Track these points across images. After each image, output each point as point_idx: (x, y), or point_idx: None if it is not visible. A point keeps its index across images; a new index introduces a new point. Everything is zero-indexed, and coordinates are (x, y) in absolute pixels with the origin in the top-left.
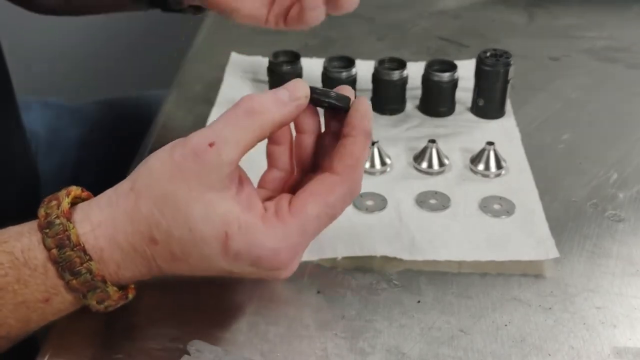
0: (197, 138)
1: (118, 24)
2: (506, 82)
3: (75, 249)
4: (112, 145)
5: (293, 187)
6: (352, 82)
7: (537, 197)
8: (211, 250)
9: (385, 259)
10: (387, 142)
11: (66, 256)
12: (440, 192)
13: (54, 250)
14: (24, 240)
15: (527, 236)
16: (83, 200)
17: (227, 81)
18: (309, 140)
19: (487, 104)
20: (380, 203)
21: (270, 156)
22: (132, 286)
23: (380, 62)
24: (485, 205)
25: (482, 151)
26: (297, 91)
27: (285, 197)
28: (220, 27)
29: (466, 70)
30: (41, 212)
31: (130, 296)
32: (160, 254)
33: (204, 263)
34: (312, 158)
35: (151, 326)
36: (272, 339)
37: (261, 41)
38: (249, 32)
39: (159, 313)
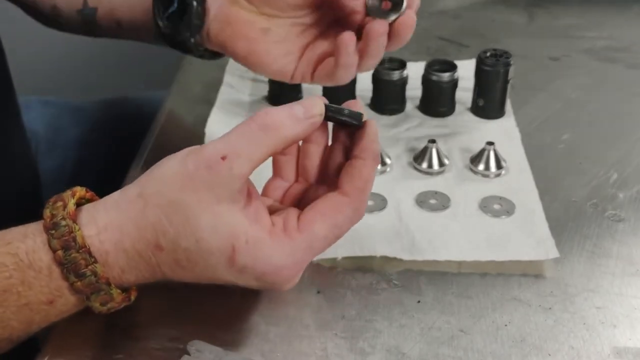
0: (211, 150)
1: None
2: (506, 82)
3: (80, 250)
4: (112, 145)
5: (297, 197)
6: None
7: (537, 197)
8: (217, 262)
9: (385, 259)
10: (387, 142)
11: (71, 258)
12: (440, 192)
13: (60, 252)
14: (28, 242)
15: (527, 236)
16: (87, 200)
17: (227, 81)
18: (315, 151)
19: (487, 104)
20: (380, 203)
21: (275, 165)
22: (134, 288)
23: (380, 62)
24: (485, 205)
25: (482, 151)
26: (313, 109)
27: (293, 213)
28: None
29: (466, 70)
30: (46, 213)
31: (133, 298)
32: (166, 261)
33: (208, 273)
34: (317, 169)
35: (151, 326)
36: (272, 338)
37: None
38: None
39: (159, 313)
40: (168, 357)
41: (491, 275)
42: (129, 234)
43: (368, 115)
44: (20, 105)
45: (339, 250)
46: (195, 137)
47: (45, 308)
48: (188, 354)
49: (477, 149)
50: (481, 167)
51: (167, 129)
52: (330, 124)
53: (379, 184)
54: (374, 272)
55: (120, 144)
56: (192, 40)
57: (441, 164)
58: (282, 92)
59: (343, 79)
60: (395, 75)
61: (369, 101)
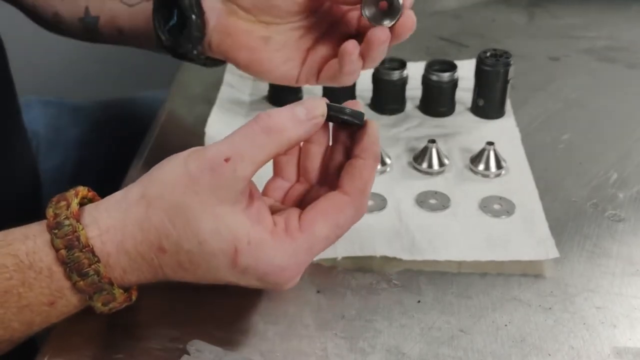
0: (214, 152)
1: None
2: (506, 82)
3: (84, 250)
4: (113, 145)
5: (299, 197)
6: None
7: (537, 197)
8: (219, 263)
9: (385, 259)
10: (387, 142)
11: (75, 257)
12: (440, 192)
13: (63, 251)
14: (29, 243)
15: (527, 236)
16: (90, 200)
17: (227, 81)
18: (316, 151)
19: (487, 104)
20: (380, 203)
21: (276, 165)
22: (135, 288)
23: (380, 62)
24: (485, 205)
25: (482, 151)
26: (315, 110)
27: (294, 213)
28: None
29: (466, 70)
30: (49, 212)
31: (134, 298)
32: (168, 263)
33: (210, 274)
34: (319, 169)
35: (151, 326)
36: (271, 338)
37: None
38: None
39: (159, 313)
40: (168, 357)
41: (491, 275)
42: (132, 236)
43: (368, 115)
44: (20, 105)
45: (339, 250)
46: (195, 137)
47: (46, 309)
48: (188, 353)
49: (477, 149)
50: (481, 167)
51: (167, 129)
52: (330, 124)
53: (379, 184)
54: (374, 272)
55: (120, 144)
56: (194, 51)
57: (441, 164)
58: (282, 92)
59: (348, 83)
60: (395, 75)
61: (369, 101)
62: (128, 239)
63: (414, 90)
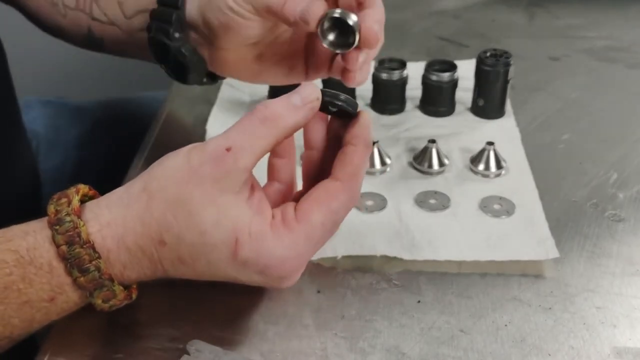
0: (214, 144)
1: None
2: (506, 82)
3: (85, 246)
4: (113, 144)
5: (296, 199)
6: None
7: (537, 197)
8: (220, 256)
9: (385, 258)
10: (387, 142)
11: (75, 253)
12: (440, 192)
13: (64, 247)
14: (29, 239)
15: (527, 236)
16: (90, 198)
17: (228, 80)
18: (317, 156)
19: (487, 104)
20: (380, 203)
21: (271, 169)
22: (135, 287)
23: (380, 62)
24: (485, 205)
25: (482, 151)
26: (310, 95)
27: (290, 205)
28: None
29: (466, 70)
30: (51, 209)
31: (134, 296)
32: (168, 257)
33: (211, 269)
34: (318, 171)
35: (151, 326)
36: (271, 338)
37: None
38: None
39: (159, 313)
40: (168, 356)
41: (491, 275)
42: (133, 230)
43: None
44: (20, 105)
45: (339, 250)
46: (195, 136)
47: (46, 305)
48: (188, 353)
49: (477, 149)
50: (481, 167)
51: (167, 129)
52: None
53: (379, 184)
54: (374, 272)
55: (120, 144)
56: (204, 80)
57: (441, 164)
58: (282, 91)
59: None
60: (395, 75)
61: (369, 101)
62: (129, 233)
63: (414, 90)
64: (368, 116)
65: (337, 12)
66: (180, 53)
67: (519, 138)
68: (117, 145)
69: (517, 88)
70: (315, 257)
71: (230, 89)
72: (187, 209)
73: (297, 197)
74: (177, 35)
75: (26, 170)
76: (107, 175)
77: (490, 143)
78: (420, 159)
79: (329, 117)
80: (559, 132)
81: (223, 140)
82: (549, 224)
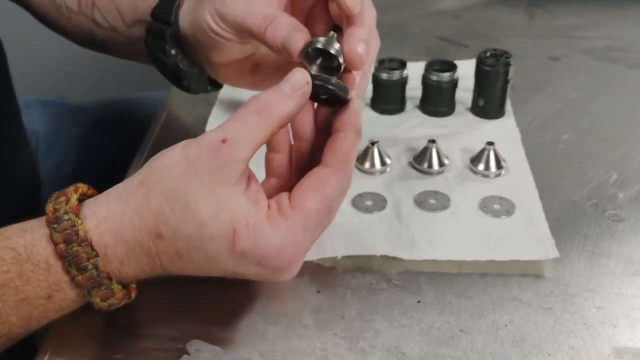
0: (210, 136)
1: None
2: (506, 82)
3: (82, 244)
4: (112, 145)
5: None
6: None
7: (537, 197)
8: (218, 248)
9: (385, 258)
10: (387, 142)
11: (73, 251)
12: (440, 192)
13: (61, 245)
14: (27, 237)
15: (527, 236)
16: (89, 197)
17: None
18: (306, 147)
19: (487, 104)
20: (380, 203)
21: (269, 164)
22: (134, 286)
23: (380, 62)
24: (485, 205)
25: (482, 151)
26: (299, 81)
27: (284, 195)
28: None
29: (466, 70)
30: (49, 207)
31: (133, 296)
32: (166, 250)
33: (209, 262)
34: (308, 162)
35: (151, 326)
36: (271, 338)
37: None
38: None
39: (159, 313)
40: (168, 356)
41: (491, 275)
42: (130, 223)
43: (368, 115)
44: (20, 105)
45: (339, 250)
46: (195, 136)
47: (44, 303)
48: (188, 353)
49: (477, 149)
50: (481, 167)
51: (167, 128)
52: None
53: (379, 184)
54: (374, 272)
55: (120, 144)
56: (208, 88)
57: (441, 164)
58: None
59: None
60: (395, 75)
61: (369, 101)
62: (127, 226)
63: (414, 90)
64: (359, 103)
65: (319, 42)
66: (177, 68)
67: (519, 138)
68: (117, 145)
69: (517, 88)
70: (315, 257)
71: (230, 89)
72: (185, 200)
73: (290, 189)
74: (173, 52)
75: (26, 170)
76: (107, 175)
77: (490, 143)
78: (420, 159)
79: (316, 107)
80: (559, 132)
81: (219, 132)
82: (549, 224)
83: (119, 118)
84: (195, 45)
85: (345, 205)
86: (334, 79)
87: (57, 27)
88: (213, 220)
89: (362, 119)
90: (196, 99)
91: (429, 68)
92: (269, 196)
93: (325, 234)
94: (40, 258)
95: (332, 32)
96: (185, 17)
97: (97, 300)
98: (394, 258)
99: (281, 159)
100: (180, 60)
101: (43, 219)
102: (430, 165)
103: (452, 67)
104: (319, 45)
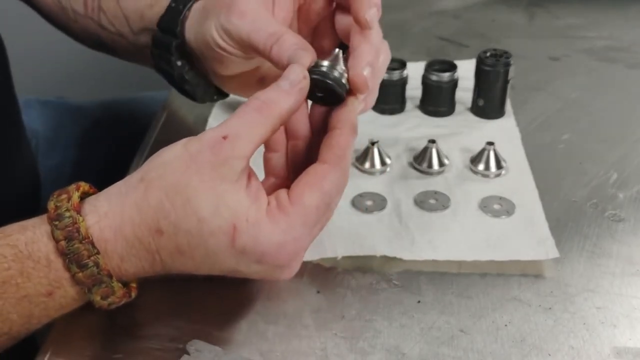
0: (211, 133)
1: None
2: (506, 82)
3: (83, 241)
4: (113, 145)
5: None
6: None
7: (537, 197)
8: (218, 243)
9: (385, 259)
10: (387, 142)
11: (74, 248)
12: (440, 192)
13: (63, 242)
14: (27, 234)
15: (527, 236)
16: (91, 195)
17: None
18: (302, 146)
19: (487, 104)
20: (380, 203)
21: (267, 163)
22: (135, 286)
23: None
24: (485, 205)
25: (482, 151)
26: (297, 76)
27: (283, 191)
28: None
29: (466, 70)
30: (51, 205)
31: (133, 295)
32: (166, 246)
33: (209, 259)
34: (304, 161)
35: (151, 326)
36: (271, 338)
37: None
38: None
39: (159, 313)
40: (168, 357)
41: (491, 275)
42: (130, 219)
43: (368, 115)
44: (20, 105)
45: (339, 250)
46: None
47: (44, 300)
48: (188, 353)
49: (477, 149)
50: (481, 167)
51: (167, 128)
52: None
53: (379, 184)
54: (374, 272)
55: (120, 144)
56: (215, 98)
57: (441, 164)
58: None
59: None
60: (395, 75)
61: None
62: (127, 221)
63: (414, 90)
64: (356, 102)
65: (324, 65)
66: (183, 80)
67: (519, 138)
68: (117, 145)
69: (517, 88)
70: (315, 258)
71: None
72: (185, 196)
73: (288, 186)
74: (179, 63)
75: (26, 170)
76: (107, 175)
77: (490, 143)
78: (420, 159)
79: (311, 105)
80: (559, 132)
81: (220, 129)
82: (549, 224)
83: (119, 118)
84: (201, 57)
85: (345, 205)
86: (332, 75)
87: (64, 29)
88: (213, 216)
89: (362, 119)
90: None
91: (429, 68)
92: (268, 195)
93: (325, 234)
94: (41, 255)
95: (337, 51)
96: (191, 30)
97: (98, 298)
98: (394, 258)
99: (279, 158)
100: (186, 72)
101: (44, 216)
102: (430, 165)
103: (452, 67)
104: (323, 69)
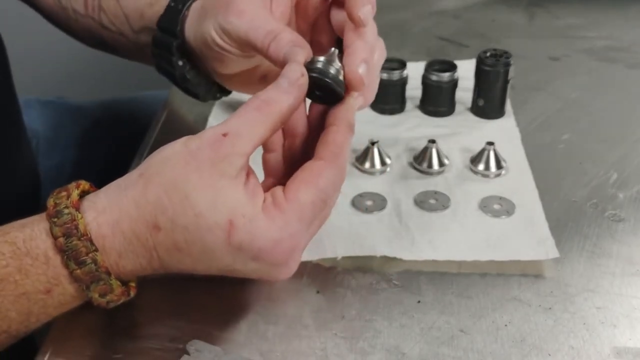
0: (211, 131)
1: None
2: (506, 82)
3: (82, 238)
4: (113, 144)
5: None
6: None
7: (537, 197)
8: (215, 239)
9: (385, 259)
10: (387, 142)
11: (72, 245)
12: (440, 192)
13: (61, 239)
14: (26, 231)
15: (527, 236)
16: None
17: None
18: (300, 144)
19: (487, 104)
20: (380, 203)
21: (266, 164)
22: (134, 285)
23: None
24: (485, 205)
25: (482, 151)
26: (295, 74)
27: (278, 188)
28: None
29: (466, 70)
30: (50, 202)
31: (132, 294)
32: (163, 242)
33: (206, 256)
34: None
35: (151, 326)
36: (271, 338)
37: None
38: None
39: (159, 313)
40: (168, 357)
41: (491, 275)
42: (128, 214)
43: (368, 115)
44: (20, 105)
45: (339, 250)
46: None
47: (43, 298)
48: (188, 353)
49: (477, 149)
50: (481, 167)
51: (167, 128)
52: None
53: (379, 184)
54: (374, 272)
55: (120, 144)
56: (218, 95)
57: (441, 164)
58: None
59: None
60: (395, 75)
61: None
62: (124, 218)
63: (414, 90)
64: (354, 101)
65: (320, 62)
66: (184, 79)
67: (519, 138)
68: (117, 145)
69: (517, 88)
70: (315, 258)
71: None
72: (183, 191)
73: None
74: (180, 63)
75: (26, 170)
76: (107, 175)
77: (490, 143)
78: (420, 159)
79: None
80: (559, 132)
81: (220, 127)
82: (549, 224)
83: (119, 118)
84: (202, 56)
85: (345, 205)
86: (331, 73)
87: (65, 28)
88: (210, 211)
89: (362, 119)
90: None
91: (429, 68)
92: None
93: (325, 234)
94: (39, 252)
95: (333, 49)
96: (190, 29)
97: (96, 295)
98: (394, 258)
99: (277, 158)
100: (188, 71)
101: (43, 214)
102: (430, 165)
103: (452, 67)
104: (319, 65)
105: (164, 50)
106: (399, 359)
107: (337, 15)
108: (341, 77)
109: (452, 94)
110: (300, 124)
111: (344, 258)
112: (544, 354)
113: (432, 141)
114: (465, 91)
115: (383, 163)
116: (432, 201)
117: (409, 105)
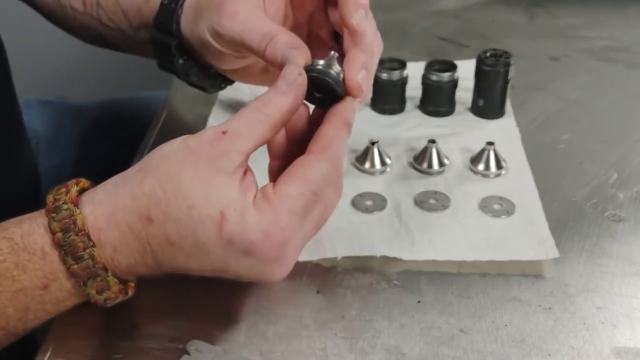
0: (211, 130)
1: None
2: (506, 82)
3: (79, 233)
4: (113, 144)
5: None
6: None
7: (537, 197)
8: (206, 231)
9: (385, 259)
10: (387, 142)
11: (70, 240)
12: (440, 192)
13: (59, 234)
14: (24, 227)
15: (527, 236)
16: None
17: None
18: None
19: (487, 104)
20: (380, 203)
21: (272, 172)
22: (132, 284)
23: (380, 62)
24: (485, 205)
25: (482, 151)
26: (292, 75)
27: (269, 184)
28: None
29: (466, 70)
30: (49, 198)
31: (130, 293)
32: (155, 235)
33: (198, 250)
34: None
35: (151, 326)
36: (271, 338)
37: None
38: None
39: (159, 313)
40: (168, 357)
41: (491, 275)
42: (124, 205)
43: (368, 115)
44: (20, 105)
45: (339, 250)
46: None
47: (40, 293)
48: (188, 353)
49: (477, 149)
50: (481, 167)
51: (167, 128)
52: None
53: (379, 184)
54: (374, 272)
55: (120, 144)
56: (223, 85)
57: (441, 164)
58: None
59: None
60: (395, 75)
61: (369, 101)
62: (119, 209)
63: (414, 90)
64: (354, 102)
65: (319, 65)
66: (187, 77)
67: (519, 138)
68: (117, 145)
69: (517, 88)
70: (315, 258)
71: (231, 88)
72: (178, 182)
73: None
74: (180, 61)
75: (26, 170)
76: (107, 175)
77: (490, 143)
78: (420, 159)
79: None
80: (559, 132)
81: (220, 126)
82: (549, 224)
83: (119, 118)
84: (201, 53)
85: (345, 205)
86: (331, 73)
87: (64, 27)
88: (203, 203)
89: (362, 119)
90: (196, 99)
91: (429, 68)
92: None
93: (325, 234)
94: (37, 247)
95: (332, 53)
96: (186, 27)
97: (93, 292)
98: (394, 258)
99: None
100: (190, 69)
101: (42, 210)
102: (430, 165)
103: (452, 67)
104: (319, 67)
105: (163, 50)
106: (399, 359)
107: (334, 13)
108: (341, 79)
109: (452, 94)
110: (300, 123)
111: (344, 258)
112: (544, 354)
113: (432, 141)
114: (465, 91)
115: (383, 163)
116: (432, 201)
117: (409, 105)
